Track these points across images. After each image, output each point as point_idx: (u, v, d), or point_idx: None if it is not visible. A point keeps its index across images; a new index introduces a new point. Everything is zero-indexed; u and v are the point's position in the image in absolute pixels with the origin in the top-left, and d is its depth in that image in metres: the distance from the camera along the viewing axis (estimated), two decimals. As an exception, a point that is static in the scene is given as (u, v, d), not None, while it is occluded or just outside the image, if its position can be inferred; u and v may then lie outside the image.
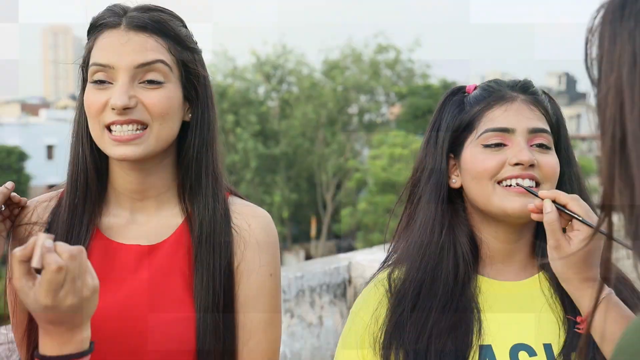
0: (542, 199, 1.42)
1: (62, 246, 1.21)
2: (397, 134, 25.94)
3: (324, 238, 31.18)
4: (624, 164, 0.85)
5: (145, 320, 1.49)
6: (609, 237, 0.92)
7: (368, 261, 3.82)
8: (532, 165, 1.47)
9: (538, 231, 1.56)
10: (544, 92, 1.60)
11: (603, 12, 0.90)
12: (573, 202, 1.40)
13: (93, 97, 1.51)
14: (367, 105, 32.81)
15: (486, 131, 1.50)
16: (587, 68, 0.92)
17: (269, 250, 1.59)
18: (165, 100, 1.50)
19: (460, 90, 1.61)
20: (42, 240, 1.21)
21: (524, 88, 1.56)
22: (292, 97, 32.06)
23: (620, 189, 0.85)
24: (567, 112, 58.96)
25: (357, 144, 32.63)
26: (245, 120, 29.75)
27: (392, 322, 1.47)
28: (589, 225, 1.37)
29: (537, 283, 1.55)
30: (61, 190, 1.63)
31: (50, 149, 38.66)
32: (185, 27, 1.59)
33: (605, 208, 0.88)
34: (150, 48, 1.50)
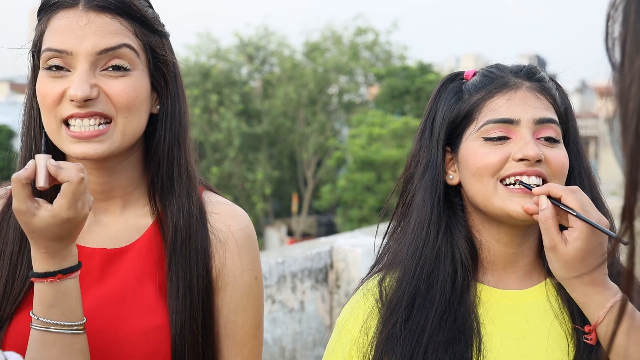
0: (537, 196, 1.28)
1: (66, 163, 1.19)
2: (375, 113, 26.48)
3: (305, 214, 32.03)
4: None
5: (113, 332, 1.34)
6: (618, 240, 0.76)
7: (350, 245, 3.71)
8: (538, 161, 1.31)
9: None
10: (551, 79, 1.43)
11: None
12: (567, 194, 1.25)
13: (47, 86, 1.32)
14: (347, 86, 33.54)
15: (487, 122, 1.35)
16: (608, 49, 0.77)
17: (250, 252, 1.46)
18: (131, 89, 1.32)
19: (458, 77, 1.45)
20: (43, 160, 1.18)
21: (530, 74, 1.40)
22: (274, 78, 32.64)
23: None
24: (540, 92, 59.45)
25: (336, 123, 33.37)
26: (229, 100, 30.35)
27: (384, 335, 1.34)
28: (584, 220, 1.22)
29: (543, 292, 1.39)
30: (9, 188, 1.45)
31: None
32: (152, 7, 1.41)
33: (627, 212, 0.73)
34: (114, 31, 1.32)
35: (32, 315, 1.24)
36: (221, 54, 32.99)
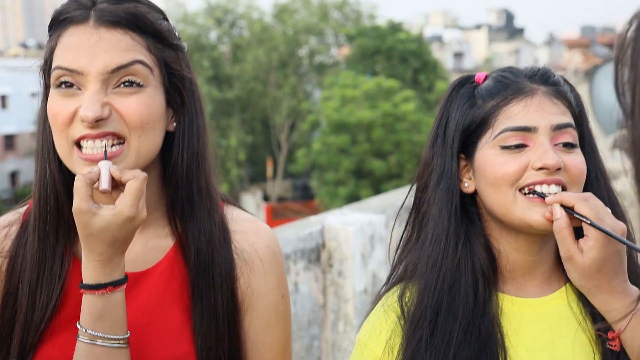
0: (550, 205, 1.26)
1: (124, 169, 1.25)
2: (348, 75, 26.46)
3: (280, 178, 32.07)
4: None
5: (138, 359, 1.30)
6: (634, 249, 0.69)
7: (340, 223, 3.64)
8: (558, 169, 1.30)
9: None
10: (565, 81, 1.41)
11: (637, 23, 0.72)
12: (580, 202, 1.24)
13: (58, 105, 1.28)
14: (317, 48, 33.41)
15: (504, 130, 1.32)
16: (618, 94, 0.74)
17: (276, 270, 1.42)
18: (144, 107, 1.27)
19: (469, 81, 1.42)
20: (106, 165, 1.22)
21: (545, 78, 1.37)
22: (243, 42, 32.41)
23: None
24: (506, 47, 59.83)
25: (308, 85, 33.30)
26: (199, 66, 30.05)
27: (409, 352, 1.31)
28: (598, 228, 1.20)
29: (564, 297, 1.38)
30: (22, 210, 1.42)
31: (4, 98, 38.36)
32: (166, 19, 1.36)
33: None
34: (126, 47, 1.27)
35: (79, 327, 1.24)
36: (189, 18, 32.63)
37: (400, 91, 24.67)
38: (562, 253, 1.25)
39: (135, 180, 1.20)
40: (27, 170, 36.32)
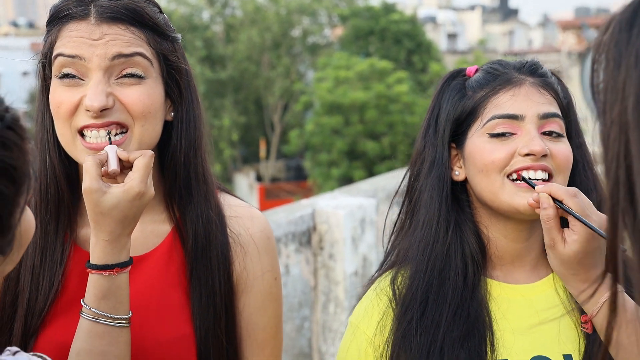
0: (538, 193, 1.30)
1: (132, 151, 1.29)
2: (341, 56, 26.37)
3: (273, 158, 32.04)
4: (629, 213, 0.71)
5: (138, 341, 1.33)
6: (610, 242, 0.76)
7: (331, 207, 3.75)
8: (544, 156, 1.34)
9: None
10: (553, 73, 1.46)
11: (613, 28, 0.73)
12: (569, 198, 1.27)
13: (63, 95, 1.31)
14: (311, 28, 33.24)
15: (492, 118, 1.37)
16: (593, 95, 0.77)
17: (270, 254, 1.47)
18: (146, 97, 1.32)
19: (460, 74, 1.47)
20: (113, 148, 1.26)
21: (532, 70, 1.42)
22: (236, 22, 32.23)
23: (625, 223, 0.72)
24: (500, 28, 59.60)
25: (302, 66, 33.19)
26: (192, 46, 29.88)
27: (400, 332, 1.35)
28: (585, 224, 1.24)
29: (551, 284, 1.42)
30: None
31: (-5, 78, 38.19)
32: (162, 12, 1.41)
33: (611, 248, 0.76)
34: (127, 41, 1.31)
35: (84, 304, 1.27)
36: (181, -2, 32.33)
37: (393, 72, 24.61)
38: (546, 240, 1.29)
39: (144, 157, 1.24)
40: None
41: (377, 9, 31.87)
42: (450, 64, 29.91)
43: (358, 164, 23.70)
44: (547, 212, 1.27)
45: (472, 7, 64.75)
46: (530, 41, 60.02)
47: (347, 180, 20.71)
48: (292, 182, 30.92)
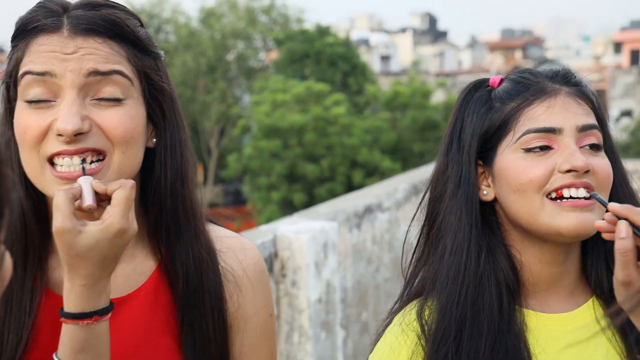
0: (612, 211, 1.12)
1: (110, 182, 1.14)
2: (277, 79, 26.43)
3: (211, 183, 31.74)
4: None
5: None
6: None
7: (293, 232, 3.60)
8: (586, 172, 1.23)
9: (586, 245, 1.30)
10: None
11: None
12: None
13: (30, 119, 1.15)
14: (245, 52, 33.23)
15: (527, 132, 1.26)
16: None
17: (264, 288, 1.35)
18: (128, 120, 1.17)
19: (483, 85, 1.35)
20: (88, 180, 1.11)
21: (566, 78, 1.32)
22: (170, 47, 31.98)
23: None
24: (431, 50, 60.77)
25: (237, 90, 33.12)
26: (125, 71, 29.49)
27: None
28: None
29: (591, 312, 1.30)
30: None
31: None
32: (143, 25, 1.25)
33: None
34: (105, 56, 1.16)
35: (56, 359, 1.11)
36: (113, 23, 31.88)
37: (330, 95, 24.69)
38: (619, 276, 1.10)
39: (123, 189, 1.09)
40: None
41: (311, 32, 32.08)
42: (385, 85, 30.28)
43: (298, 187, 23.61)
44: (625, 244, 1.08)
45: (404, 30, 65.91)
46: (460, 62, 61.36)
47: (287, 203, 20.57)
48: (230, 207, 30.65)
